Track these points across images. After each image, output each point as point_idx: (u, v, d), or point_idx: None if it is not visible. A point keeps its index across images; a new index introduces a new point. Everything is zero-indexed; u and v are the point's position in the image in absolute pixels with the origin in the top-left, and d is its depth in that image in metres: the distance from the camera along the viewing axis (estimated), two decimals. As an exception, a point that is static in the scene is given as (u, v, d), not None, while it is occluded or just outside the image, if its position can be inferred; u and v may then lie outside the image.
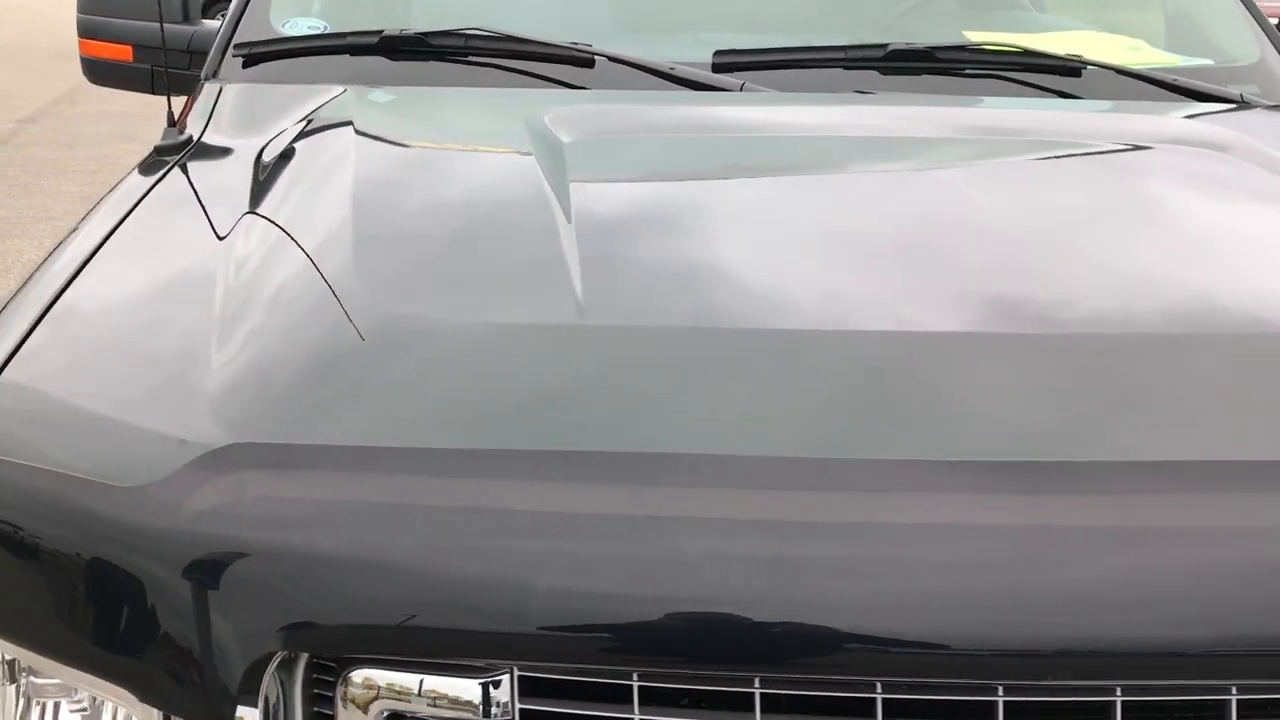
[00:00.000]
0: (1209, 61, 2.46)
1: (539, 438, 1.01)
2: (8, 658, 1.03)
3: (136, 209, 1.58)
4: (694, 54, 2.18)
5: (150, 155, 1.90)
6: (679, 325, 1.19)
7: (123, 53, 2.74)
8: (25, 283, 1.40)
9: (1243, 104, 2.26)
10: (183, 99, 2.60)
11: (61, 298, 1.30)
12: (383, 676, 0.92)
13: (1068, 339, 1.24)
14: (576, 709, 0.92)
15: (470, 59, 2.17)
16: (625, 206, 1.56)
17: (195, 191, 1.70)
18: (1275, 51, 2.51)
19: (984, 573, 0.92)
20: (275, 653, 0.92)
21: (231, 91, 2.11)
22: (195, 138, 1.92)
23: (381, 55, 2.19)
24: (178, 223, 1.58)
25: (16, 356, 1.18)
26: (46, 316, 1.26)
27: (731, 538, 0.92)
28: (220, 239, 1.45)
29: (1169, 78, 2.27)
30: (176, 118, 2.18)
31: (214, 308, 1.25)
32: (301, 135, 1.83)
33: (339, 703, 0.93)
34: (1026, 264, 1.39)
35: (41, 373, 1.18)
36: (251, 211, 1.52)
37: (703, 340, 1.16)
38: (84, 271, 1.37)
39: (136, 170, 1.82)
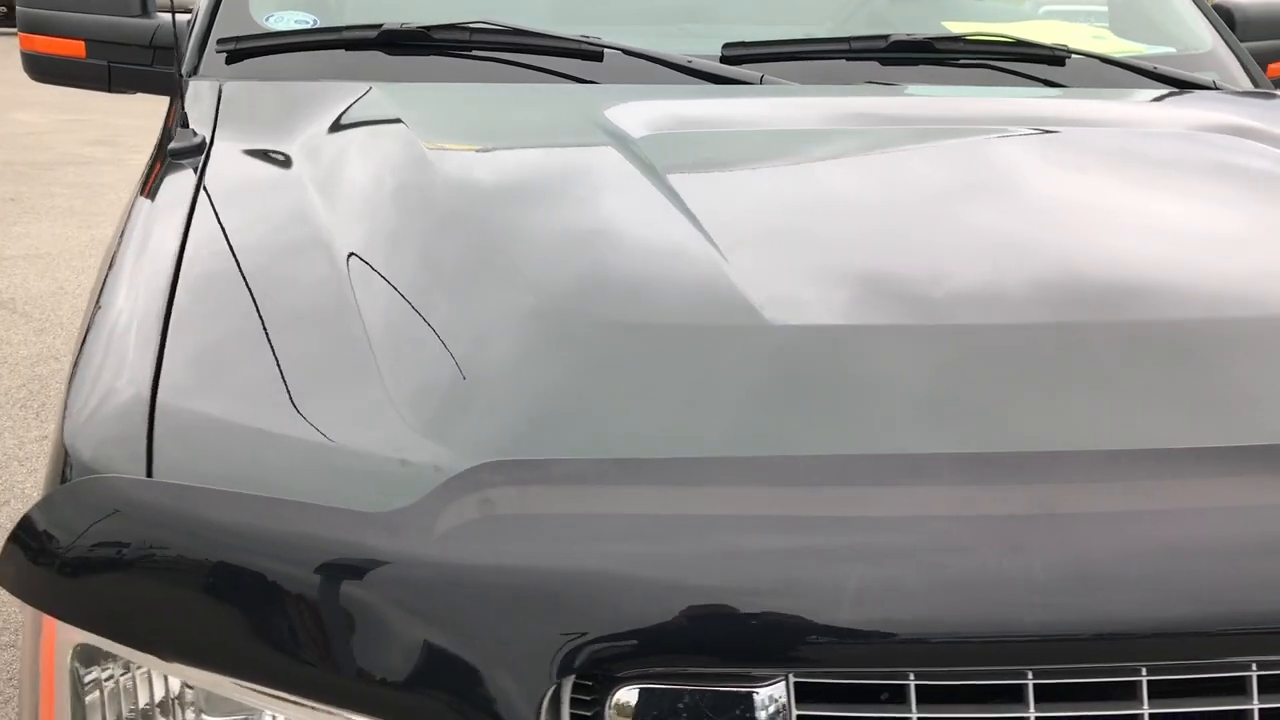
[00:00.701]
0: (1172, 50, 2.57)
1: (784, 442, 1.00)
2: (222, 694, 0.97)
3: (197, 213, 1.50)
4: (693, 46, 2.18)
5: (166, 157, 1.81)
6: (865, 323, 1.19)
7: (73, 48, 2.60)
8: (103, 303, 1.32)
9: (1217, 89, 2.37)
10: (149, 96, 2.50)
11: (173, 315, 1.23)
12: (651, 692, 0.90)
13: (1152, 324, 1.28)
14: (852, 712, 0.92)
15: (474, 53, 2.13)
16: (742, 203, 1.54)
17: (254, 195, 1.63)
18: (1221, 39, 2.64)
19: None
20: (550, 675, 0.89)
21: (236, 90, 2.01)
22: (209, 139, 1.83)
23: (380, 50, 2.13)
24: (255, 229, 1.50)
25: (164, 381, 1.11)
26: (169, 337, 1.19)
27: (1004, 534, 0.93)
28: (320, 242, 1.39)
29: (1148, 66, 2.36)
30: (169, 118, 2.08)
31: (352, 317, 1.20)
32: (346, 134, 1.77)
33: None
34: (1141, 252, 1.43)
35: (203, 395, 1.12)
36: (334, 213, 1.46)
37: (898, 336, 1.16)
38: (181, 284, 1.30)
39: (164, 175, 1.73)
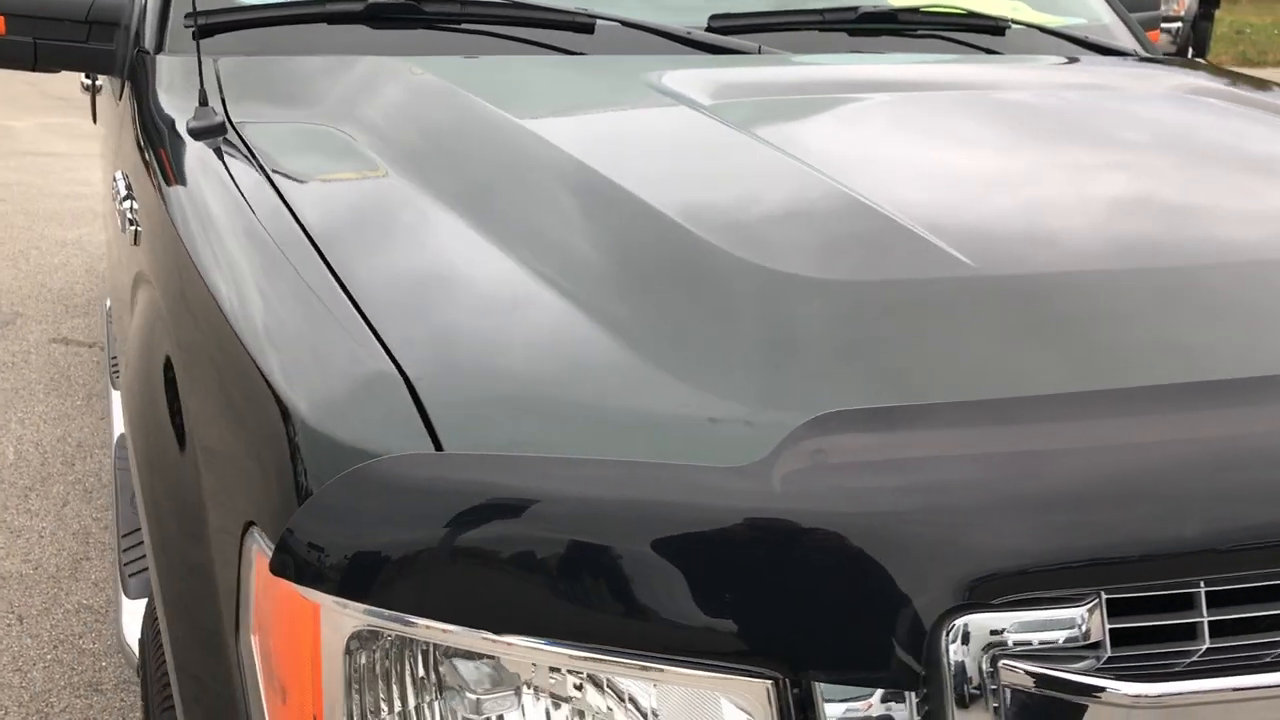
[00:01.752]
0: (1083, 20, 2.74)
1: (1059, 379, 1.04)
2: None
3: (288, 193, 1.43)
4: (675, 19, 2.19)
5: (179, 138, 1.72)
6: (1069, 270, 1.22)
7: (-11, 24, 2.40)
8: (239, 295, 1.25)
9: (1141, 58, 2.54)
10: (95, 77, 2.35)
11: (356, 294, 1.18)
12: (986, 620, 0.94)
13: None
14: (1150, 620, 0.97)
15: (464, 26, 2.09)
16: (858, 161, 1.56)
17: (338, 171, 1.56)
18: (1114, 12, 2.83)
19: None
20: (944, 611, 0.91)
21: (237, 66, 1.92)
22: (227, 116, 1.74)
23: (366, 23, 2.06)
24: (370, 203, 1.44)
25: (403, 358, 1.06)
26: (371, 316, 1.14)
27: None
28: (443, 212, 1.35)
29: (1080, 35, 2.52)
30: (141, 96, 1.97)
31: (535, 282, 1.18)
32: (404, 104, 1.71)
33: (949, 650, 0.94)
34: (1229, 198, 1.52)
35: (456, 368, 1.07)
36: (435, 184, 1.42)
37: (1101, 278, 1.21)
38: (334, 263, 1.24)
39: (199, 156, 1.63)
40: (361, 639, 1.00)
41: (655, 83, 1.79)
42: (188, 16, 2.06)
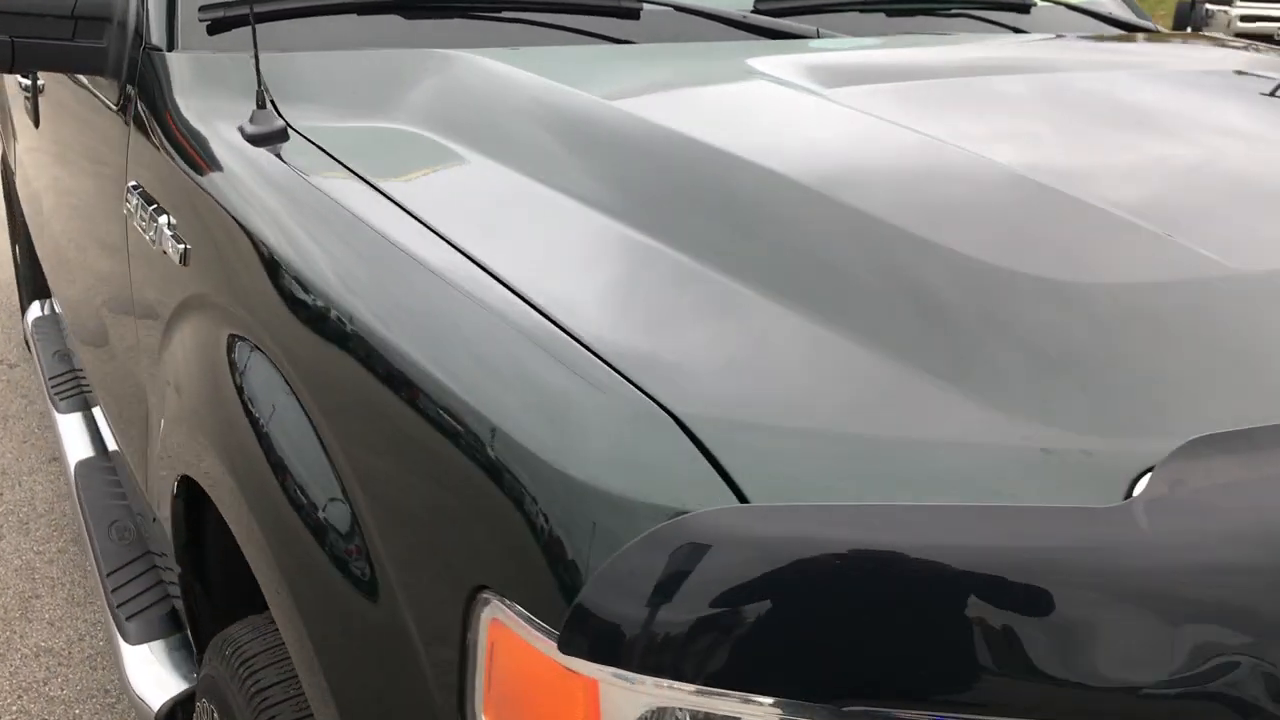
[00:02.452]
0: (1090, -5, 2.72)
1: None
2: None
3: (414, 205, 1.28)
4: (718, 3, 2.08)
5: (246, 146, 1.55)
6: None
7: (-46, 21, 2.15)
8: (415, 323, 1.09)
9: (1159, 34, 2.52)
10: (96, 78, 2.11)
11: (560, 321, 1.04)
12: None
13: None
14: None
15: (503, 14, 1.94)
16: (1011, 144, 1.45)
17: (453, 178, 1.40)
18: None
19: None
20: None
21: (281, 63, 1.73)
22: (284, 121, 1.58)
23: (398, 13, 1.90)
24: (514, 212, 1.29)
25: (657, 393, 0.92)
26: (591, 344, 1.00)
27: None
28: (596, 219, 1.22)
29: (1103, 11, 2.49)
30: (151, 97, 1.78)
31: (746, 294, 1.07)
32: (495, 100, 1.55)
33: None
34: None
35: (719, 401, 0.94)
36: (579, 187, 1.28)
37: None
38: (508, 283, 1.10)
39: (265, 166, 1.46)
40: (655, 716, 0.88)
41: (761, 70, 1.67)
42: (203, 10, 1.87)
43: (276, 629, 1.54)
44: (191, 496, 1.78)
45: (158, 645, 2.28)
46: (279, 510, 1.24)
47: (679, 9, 1.96)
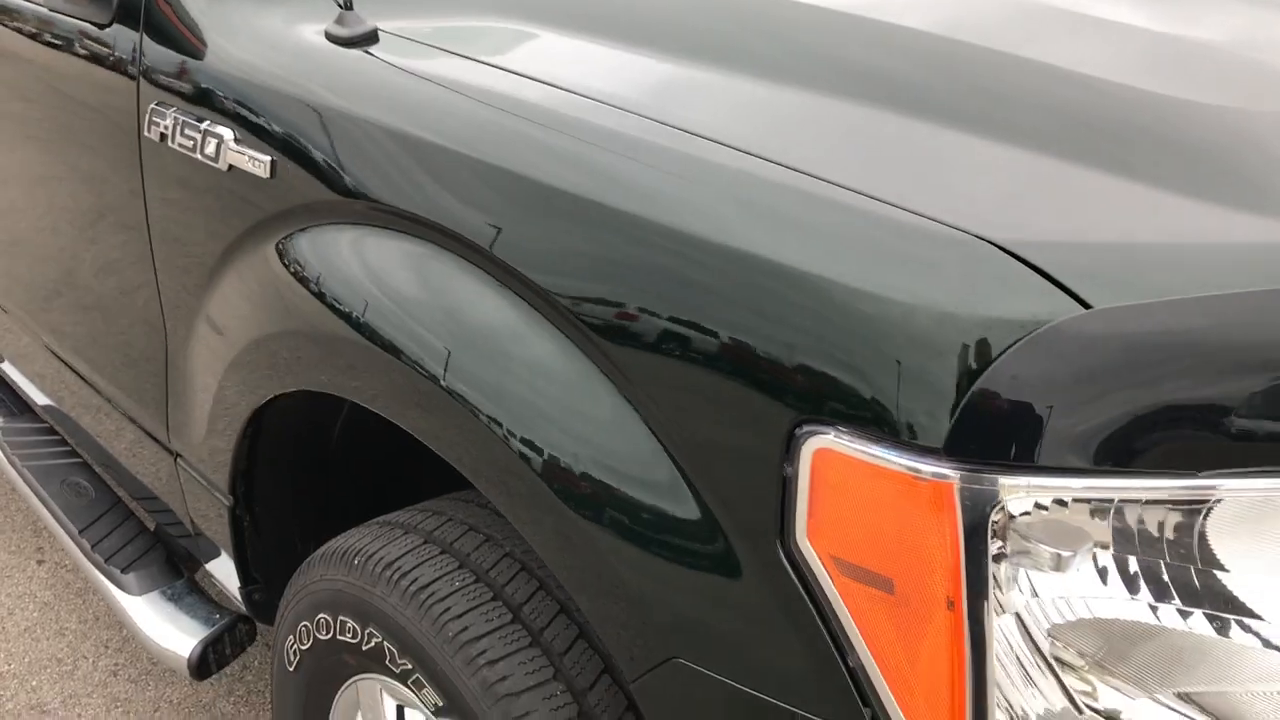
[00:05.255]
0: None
1: None
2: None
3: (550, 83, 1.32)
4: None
5: (333, 49, 1.52)
6: None
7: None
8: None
9: None
10: None
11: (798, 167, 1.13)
12: None
13: None
14: None
15: None
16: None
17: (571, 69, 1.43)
18: None
19: None
20: None
21: None
22: (372, 23, 1.56)
23: None
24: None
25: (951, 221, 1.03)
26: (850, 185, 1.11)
27: None
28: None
29: None
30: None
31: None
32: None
33: None
34: None
35: (1045, 218, 1.06)
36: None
37: None
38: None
39: (368, 66, 1.44)
40: (1016, 512, 0.98)
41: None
42: None
43: (407, 534, 1.56)
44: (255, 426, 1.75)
45: (163, 592, 2.22)
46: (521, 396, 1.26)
47: None
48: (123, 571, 2.24)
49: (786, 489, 1.06)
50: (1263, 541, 1.02)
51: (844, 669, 1.05)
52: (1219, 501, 0.99)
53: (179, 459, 1.99)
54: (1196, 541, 1.01)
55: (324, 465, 1.89)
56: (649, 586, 1.18)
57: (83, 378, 2.29)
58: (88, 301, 2.15)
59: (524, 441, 1.25)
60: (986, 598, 1.00)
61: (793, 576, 1.07)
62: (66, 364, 2.36)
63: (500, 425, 1.27)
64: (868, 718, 1.05)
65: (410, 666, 1.48)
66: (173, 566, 2.27)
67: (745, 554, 1.10)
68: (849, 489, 1.03)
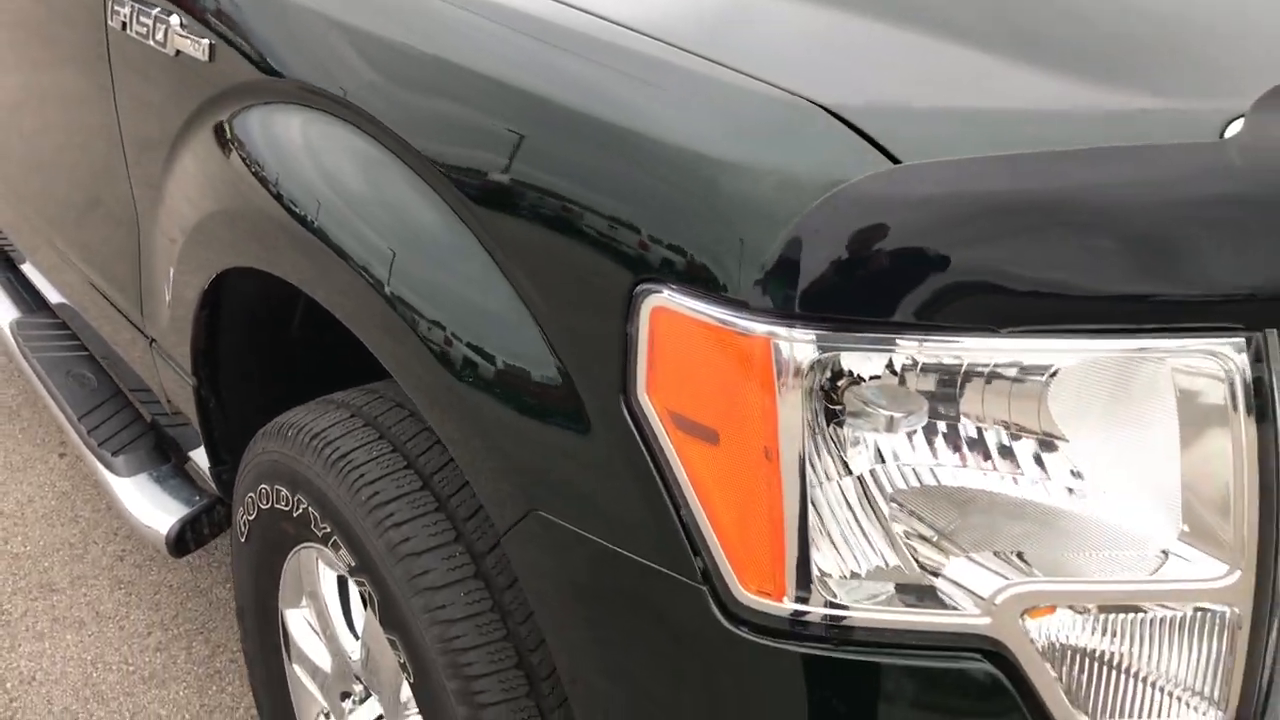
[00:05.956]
0: None
1: None
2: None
3: None
4: None
5: None
6: None
7: None
8: None
9: None
10: None
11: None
12: None
13: None
14: None
15: None
16: None
17: None
18: None
19: None
20: None
21: None
22: None
23: None
24: None
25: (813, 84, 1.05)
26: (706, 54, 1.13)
27: None
28: None
29: None
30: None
31: None
32: None
33: None
34: None
35: (855, 87, 1.08)
36: None
37: None
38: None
39: None
40: (825, 364, 1.01)
41: None
42: None
43: (338, 409, 1.62)
44: (213, 309, 1.83)
45: (150, 475, 2.32)
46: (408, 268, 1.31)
47: None
48: (113, 455, 2.35)
49: (628, 347, 1.10)
50: (1090, 406, 1.04)
51: (678, 520, 1.10)
52: (1026, 366, 1.01)
53: (153, 343, 2.07)
54: (1010, 405, 1.03)
55: (288, 349, 1.96)
56: (512, 444, 1.23)
57: (78, 269, 2.39)
58: (76, 198, 2.24)
59: (405, 304, 1.30)
60: (806, 449, 1.03)
61: (634, 431, 1.11)
62: (64, 256, 2.46)
63: (385, 286, 1.32)
64: (698, 567, 1.09)
65: (329, 530, 1.55)
66: (161, 452, 2.37)
67: (595, 411, 1.15)
68: (681, 345, 1.07)
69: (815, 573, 1.06)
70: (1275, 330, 1.00)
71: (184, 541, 2.19)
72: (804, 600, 1.06)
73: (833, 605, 1.06)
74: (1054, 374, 1.02)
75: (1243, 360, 1.00)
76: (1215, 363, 1.00)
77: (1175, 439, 1.03)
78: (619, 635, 1.19)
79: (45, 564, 2.81)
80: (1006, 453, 1.06)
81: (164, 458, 2.36)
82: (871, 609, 1.06)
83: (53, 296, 2.86)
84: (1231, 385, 1.00)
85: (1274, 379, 1.02)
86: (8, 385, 3.52)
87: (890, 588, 1.07)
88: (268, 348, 1.95)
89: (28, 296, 3.00)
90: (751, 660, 1.08)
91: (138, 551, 2.84)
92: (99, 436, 2.41)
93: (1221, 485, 1.03)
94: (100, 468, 2.35)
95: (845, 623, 1.06)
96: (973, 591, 1.06)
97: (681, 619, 1.12)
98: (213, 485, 2.16)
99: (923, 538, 1.06)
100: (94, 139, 2.04)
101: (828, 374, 1.01)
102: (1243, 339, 1.00)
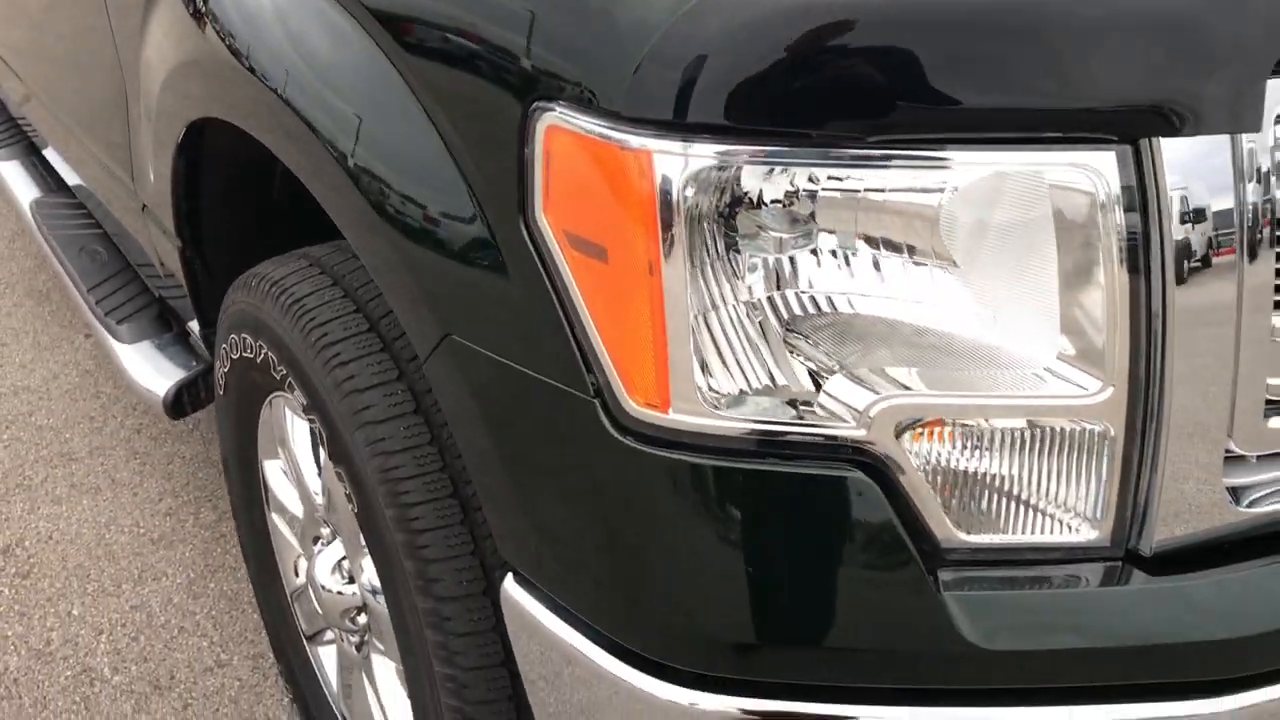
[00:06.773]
0: None
1: None
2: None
3: None
4: None
5: None
6: None
7: None
8: None
9: None
10: None
11: None
12: None
13: None
14: None
15: None
16: None
17: None
18: None
19: None
20: None
21: None
22: None
23: None
24: None
25: None
26: None
27: None
28: None
29: None
30: None
31: None
32: None
33: None
34: None
35: None
36: None
37: None
38: None
39: None
40: (701, 176, 1.04)
41: None
42: None
43: (298, 259, 1.68)
44: (191, 168, 1.88)
45: (152, 342, 2.41)
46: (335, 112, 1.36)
47: None
48: (118, 323, 2.44)
49: (525, 168, 1.13)
50: (979, 229, 1.06)
51: (572, 337, 1.14)
52: (917, 187, 1.03)
53: (145, 208, 2.14)
54: (901, 226, 1.06)
55: (271, 213, 2.02)
56: (430, 273, 1.28)
57: (82, 143, 2.46)
58: (71, 67, 2.30)
59: (335, 143, 1.35)
60: (688, 264, 1.06)
61: (533, 252, 1.15)
62: (69, 129, 2.53)
63: (320, 130, 1.37)
64: (590, 382, 1.14)
65: (286, 372, 1.61)
66: (164, 321, 2.45)
67: (501, 235, 1.19)
68: (572, 163, 1.10)
69: (701, 385, 1.09)
70: (1159, 140, 1.01)
71: (180, 404, 2.28)
72: (687, 412, 1.10)
73: (716, 417, 1.10)
74: (945, 194, 1.04)
75: (1112, 172, 1.01)
76: (1085, 175, 1.01)
77: (1053, 257, 1.05)
78: (524, 450, 1.25)
79: (66, 435, 2.93)
80: (893, 274, 1.08)
81: (166, 326, 2.45)
82: (753, 419, 1.10)
83: (71, 179, 2.94)
84: (1096, 199, 1.01)
85: (1158, 192, 1.03)
86: (40, 270, 3.64)
87: (773, 402, 1.10)
88: (250, 210, 2.01)
89: (49, 178, 3.10)
90: (639, 468, 1.13)
91: (154, 425, 2.95)
92: (106, 307, 2.51)
93: (1098, 303, 1.05)
94: (105, 335, 2.44)
95: (727, 433, 1.10)
96: (850, 405, 1.09)
97: (576, 431, 1.16)
98: (208, 351, 2.24)
99: (807, 357, 1.09)
100: (82, 18, 2.10)
101: (712, 187, 1.04)
102: (1114, 152, 1.01)
